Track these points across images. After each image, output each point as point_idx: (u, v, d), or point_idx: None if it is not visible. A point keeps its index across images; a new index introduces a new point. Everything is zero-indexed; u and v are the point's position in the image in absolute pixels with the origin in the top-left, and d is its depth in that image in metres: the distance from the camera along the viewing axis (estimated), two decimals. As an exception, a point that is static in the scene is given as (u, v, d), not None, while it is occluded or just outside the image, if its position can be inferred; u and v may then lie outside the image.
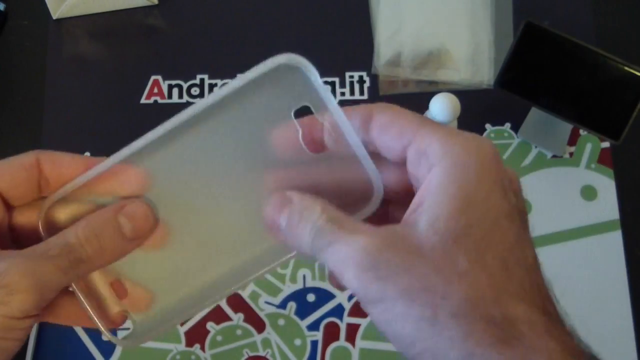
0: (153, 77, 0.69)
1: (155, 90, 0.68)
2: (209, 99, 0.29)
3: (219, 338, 0.60)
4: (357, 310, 0.60)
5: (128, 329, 0.32)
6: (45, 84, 0.69)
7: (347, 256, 0.26)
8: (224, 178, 0.31)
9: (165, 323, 0.32)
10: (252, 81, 0.30)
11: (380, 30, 0.70)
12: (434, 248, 0.25)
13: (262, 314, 0.60)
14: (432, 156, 0.27)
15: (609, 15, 0.71)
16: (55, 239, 0.30)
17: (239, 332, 0.60)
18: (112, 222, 0.30)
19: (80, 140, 0.67)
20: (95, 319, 0.31)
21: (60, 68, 0.69)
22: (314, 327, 0.60)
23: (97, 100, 0.68)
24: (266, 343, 0.60)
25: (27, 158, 0.31)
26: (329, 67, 0.69)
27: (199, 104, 0.29)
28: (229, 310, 0.60)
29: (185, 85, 0.68)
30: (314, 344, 0.60)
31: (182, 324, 0.60)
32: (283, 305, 0.61)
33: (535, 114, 0.65)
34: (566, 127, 0.65)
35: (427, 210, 0.26)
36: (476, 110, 0.66)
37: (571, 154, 0.66)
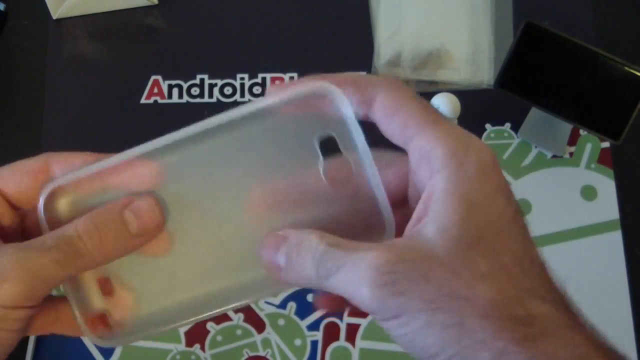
0: (153, 77, 0.69)
1: (155, 90, 0.68)
2: (233, 112, 0.29)
3: (219, 338, 0.60)
4: (357, 311, 0.60)
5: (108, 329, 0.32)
6: (45, 84, 0.69)
7: (358, 276, 0.26)
8: (233, 194, 0.31)
9: (143, 331, 0.31)
10: (281, 102, 0.29)
11: (380, 30, 0.70)
12: (449, 254, 0.25)
13: (262, 314, 0.60)
14: (435, 162, 0.27)
15: (609, 15, 0.71)
16: (54, 231, 0.29)
17: (239, 332, 0.60)
18: (116, 216, 0.29)
19: (80, 140, 0.67)
20: (76, 310, 0.30)
21: (60, 68, 0.69)
22: (314, 327, 0.60)
23: (97, 100, 0.68)
24: (266, 343, 0.60)
25: (35, 162, 0.31)
26: (329, 67, 0.69)
27: (222, 116, 0.29)
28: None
29: (185, 85, 0.68)
30: (314, 344, 0.60)
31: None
32: (283, 305, 0.61)
33: (535, 114, 0.65)
34: (566, 127, 0.65)
35: (435, 219, 0.26)
36: (476, 110, 0.66)
37: (571, 154, 0.66)
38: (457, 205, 0.26)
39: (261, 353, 0.59)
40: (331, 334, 0.60)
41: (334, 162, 0.30)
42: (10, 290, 0.27)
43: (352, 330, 0.60)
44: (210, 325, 0.60)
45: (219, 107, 0.67)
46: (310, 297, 0.61)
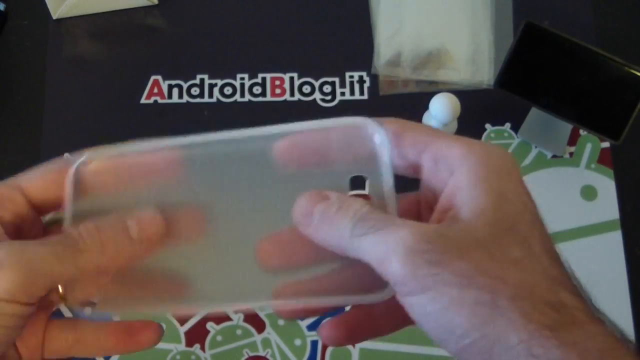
0: (153, 77, 0.69)
1: (155, 90, 0.68)
2: (272, 128, 0.29)
3: (219, 338, 0.60)
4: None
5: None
6: (45, 84, 0.69)
7: (394, 240, 0.25)
8: (246, 207, 0.31)
9: (128, 307, 0.31)
10: (322, 129, 0.29)
11: (380, 30, 0.70)
12: (485, 237, 0.25)
13: (262, 314, 0.60)
14: (453, 159, 0.27)
15: (609, 15, 0.71)
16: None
17: (239, 332, 0.60)
18: (117, 220, 0.30)
19: (80, 140, 0.67)
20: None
21: (60, 68, 0.69)
22: (314, 327, 0.60)
23: (97, 100, 0.68)
24: (266, 343, 0.60)
25: (57, 163, 0.31)
26: (329, 67, 0.69)
27: (257, 130, 0.29)
28: (229, 310, 0.60)
29: (185, 85, 0.68)
30: (314, 344, 0.60)
31: (181, 324, 0.60)
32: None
33: (535, 114, 0.65)
34: (566, 127, 0.65)
35: (467, 205, 0.26)
36: (476, 110, 0.66)
37: (571, 154, 0.66)
38: (488, 192, 0.26)
39: (261, 353, 0.59)
40: (331, 334, 0.60)
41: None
42: (5, 279, 0.26)
43: (352, 330, 0.60)
44: (210, 325, 0.60)
45: (219, 107, 0.67)
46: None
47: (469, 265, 0.25)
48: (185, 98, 0.68)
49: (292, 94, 0.68)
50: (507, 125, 0.67)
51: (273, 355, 0.59)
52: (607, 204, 0.64)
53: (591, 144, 0.66)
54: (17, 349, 0.30)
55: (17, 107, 0.68)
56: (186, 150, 0.30)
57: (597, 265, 0.62)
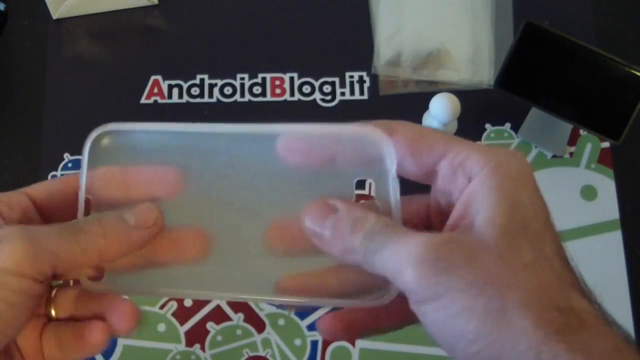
0: (153, 77, 0.69)
1: (155, 90, 0.68)
2: (282, 127, 0.30)
3: (219, 338, 0.60)
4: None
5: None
6: (45, 84, 0.69)
7: (406, 251, 0.26)
8: (253, 197, 0.31)
9: (135, 288, 0.32)
10: (330, 134, 0.30)
11: (380, 30, 0.70)
12: (497, 241, 0.26)
13: (262, 314, 0.60)
14: (472, 166, 0.27)
15: (609, 15, 0.71)
16: None
17: (239, 332, 0.60)
18: (115, 213, 0.31)
19: (80, 141, 0.66)
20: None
21: (60, 68, 0.69)
22: (314, 327, 0.60)
23: (97, 100, 0.68)
24: (266, 343, 0.60)
25: (61, 177, 0.33)
26: (329, 67, 0.69)
27: (271, 127, 0.30)
28: (229, 310, 0.60)
29: (185, 85, 0.68)
30: (314, 344, 0.60)
31: (181, 324, 0.60)
32: (283, 305, 0.61)
33: (535, 114, 0.65)
34: (566, 127, 0.65)
35: (481, 212, 0.26)
36: (476, 110, 0.66)
37: (571, 154, 0.66)
38: (502, 199, 0.26)
39: (261, 353, 0.59)
40: (331, 334, 0.60)
41: (361, 199, 0.30)
42: (11, 249, 0.27)
43: (352, 330, 0.60)
44: (210, 325, 0.60)
45: (219, 107, 0.67)
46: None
47: (479, 272, 0.25)
48: (185, 98, 0.68)
49: (292, 94, 0.68)
50: (507, 125, 0.67)
51: (273, 355, 0.59)
52: (607, 204, 0.64)
53: (591, 144, 0.66)
54: (19, 350, 0.31)
55: (17, 107, 0.68)
56: (193, 140, 0.31)
57: (597, 265, 0.62)
